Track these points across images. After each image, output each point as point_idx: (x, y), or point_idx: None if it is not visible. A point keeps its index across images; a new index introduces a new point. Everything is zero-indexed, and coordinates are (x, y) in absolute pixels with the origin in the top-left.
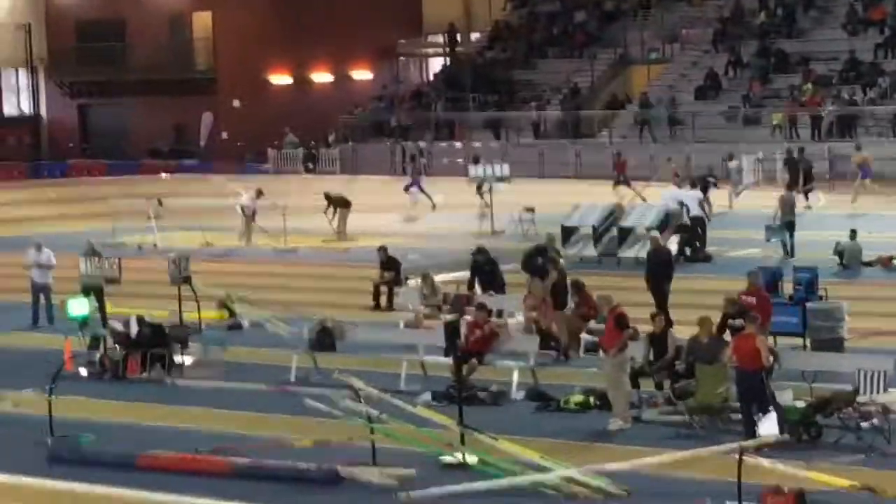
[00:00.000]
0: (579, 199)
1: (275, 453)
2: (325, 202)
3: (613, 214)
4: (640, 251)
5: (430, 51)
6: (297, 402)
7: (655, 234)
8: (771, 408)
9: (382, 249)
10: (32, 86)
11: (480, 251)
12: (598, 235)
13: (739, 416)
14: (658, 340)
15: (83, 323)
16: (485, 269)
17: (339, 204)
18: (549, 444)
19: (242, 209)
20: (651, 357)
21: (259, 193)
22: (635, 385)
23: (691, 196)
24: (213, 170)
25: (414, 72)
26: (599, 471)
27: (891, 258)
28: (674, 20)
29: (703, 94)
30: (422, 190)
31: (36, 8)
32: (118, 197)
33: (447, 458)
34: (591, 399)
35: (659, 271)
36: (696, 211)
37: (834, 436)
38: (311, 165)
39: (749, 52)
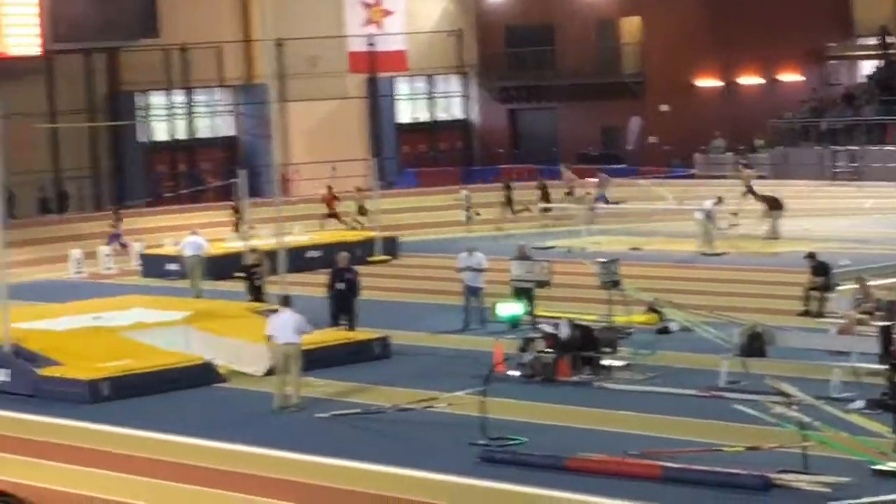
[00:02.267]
0: None
1: (703, 458)
2: (760, 202)
3: None
4: None
5: (862, 53)
6: (726, 407)
7: None
8: None
9: (811, 255)
10: (464, 91)
11: None
12: None
13: None
14: None
15: (514, 325)
16: None
17: (772, 205)
18: None
19: (706, 214)
20: None
21: (719, 200)
22: None
23: None
24: (639, 174)
25: (844, 74)
26: None
27: None
28: None
29: None
30: None
31: (467, 15)
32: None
33: (881, 467)
34: None
35: None
36: None
37: None
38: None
39: None
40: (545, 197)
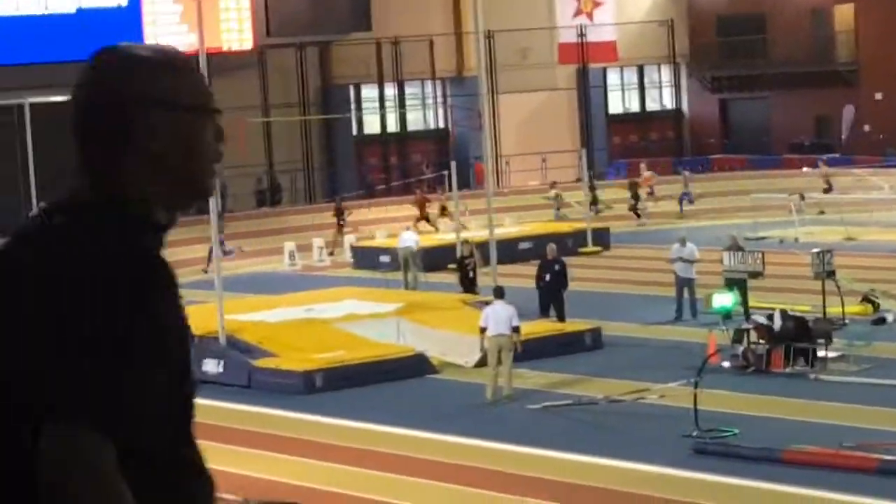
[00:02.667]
0: None
1: None
2: None
3: None
4: None
5: None
6: None
7: None
8: None
9: None
10: (674, 81)
11: None
12: None
13: None
14: None
15: (726, 316)
16: None
17: None
18: None
19: None
20: None
21: None
22: None
23: None
24: (853, 163)
25: None
26: None
27: None
28: None
29: None
30: None
31: (677, 5)
32: (759, 191)
33: None
34: None
35: None
36: None
37: None
38: None
39: None
40: (635, 196)
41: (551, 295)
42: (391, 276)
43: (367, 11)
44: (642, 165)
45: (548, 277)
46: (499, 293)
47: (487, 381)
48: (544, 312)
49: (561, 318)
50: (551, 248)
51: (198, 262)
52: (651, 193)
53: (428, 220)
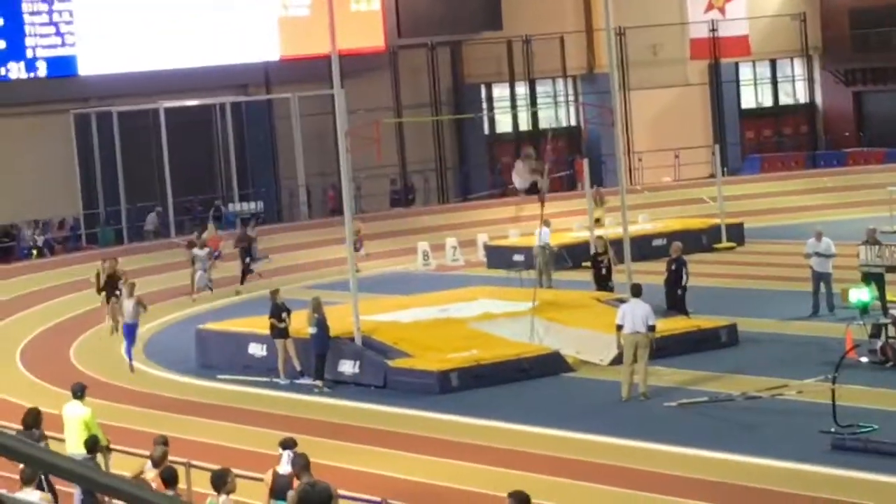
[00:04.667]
0: None
1: None
2: None
3: None
4: None
5: None
6: None
7: None
8: None
9: None
10: (808, 74)
11: None
12: None
13: None
14: None
15: (864, 311)
16: None
17: None
18: None
19: None
20: None
21: None
22: None
23: None
24: None
25: None
26: None
27: None
28: None
29: None
30: None
31: None
32: None
33: None
34: None
35: None
36: None
37: None
38: None
39: None
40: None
41: (671, 292)
42: (525, 275)
43: (498, 10)
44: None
45: (667, 275)
46: (636, 291)
47: (623, 379)
48: (670, 309)
49: (683, 314)
50: (675, 246)
51: (336, 263)
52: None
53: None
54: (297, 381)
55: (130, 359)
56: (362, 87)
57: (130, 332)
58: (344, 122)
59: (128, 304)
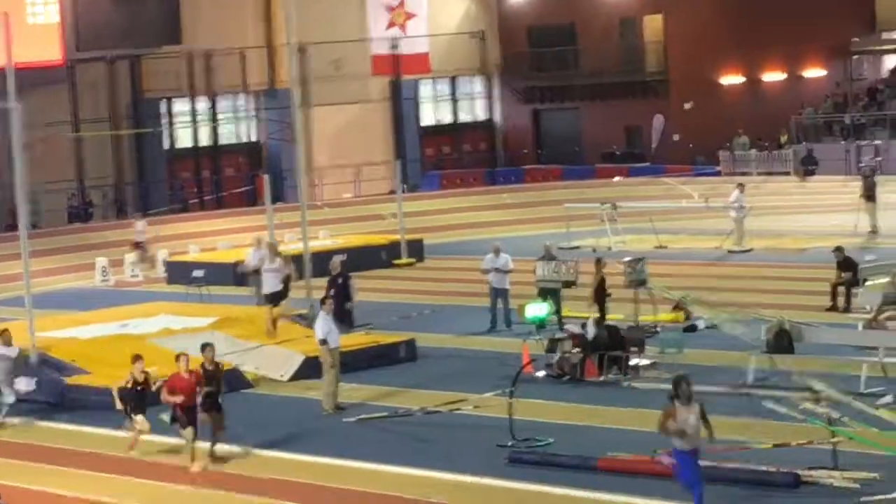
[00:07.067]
0: None
1: (734, 456)
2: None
3: None
4: None
5: (885, 48)
6: (756, 404)
7: None
8: None
9: (839, 250)
10: (487, 92)
11: None
12: None
13: None
14: None
15: (540, 326)
16: None
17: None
18: None
19: (737, 209)
20: None
21: (741, 187)
22: None
23: None
24: (664, 172)
25: (868, 69)
26: None
27: None
28: None
29: None
30: None
31: (489, 16)
32: (573, 201)
33: None
34: None
35: None
36: None
37: None
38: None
39: None
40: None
41: (339, 309)
42: (205, 291)
43: (178, 24)
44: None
45: (332, 292)
46: (330, 305)
47: (330, 392)
48: (341, 325)
49: (350, 328)
50: (336, 262)
51: (10, 280)
52: (140, 246)
53: None
54: None
55: None
56: (40, 101)
57: None
58: (20, 137)
59: None
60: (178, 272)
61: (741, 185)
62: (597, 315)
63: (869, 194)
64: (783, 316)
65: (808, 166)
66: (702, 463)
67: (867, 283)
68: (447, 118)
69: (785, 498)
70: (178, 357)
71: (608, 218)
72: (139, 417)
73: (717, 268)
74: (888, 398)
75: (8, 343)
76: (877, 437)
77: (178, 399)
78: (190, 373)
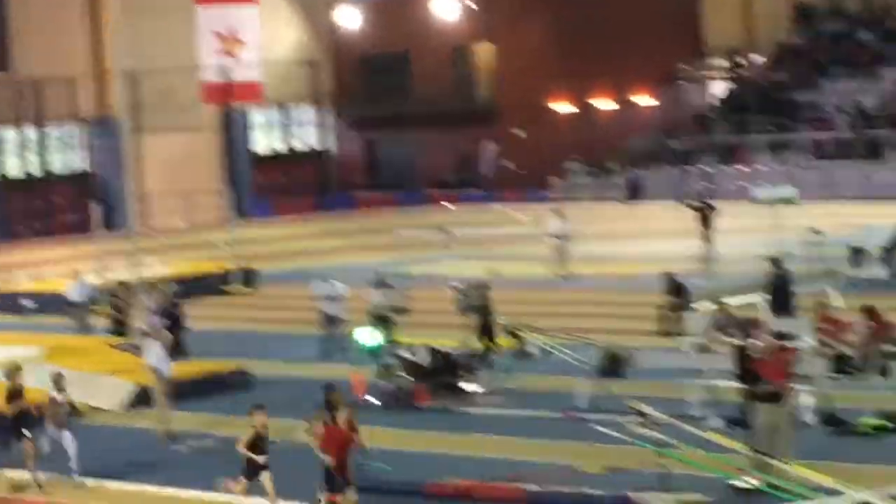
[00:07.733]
0: (868, 221)
1: (565, 480)
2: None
3: None
4: None
5: (712, 74)
6: (587, 428)
7: None
8: None
9: (667, 274)
10: (319, 121)
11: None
12: (888, 256)
13: None
14: None
15: (372, 353)
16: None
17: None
18: (842, 468)
19: (555, 236)
20: None
21: (560, 214)
22: None
23: None
24: (496, 199)
25: (696, 95)
26: None
27: None
28: None
29: None
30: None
31: (322, 45)
32: (406, 228)
33: (738, 483)
34: (888, 422)
35: None
36: None
37: None
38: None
39: None
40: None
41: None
42: (36, 321)
43: (6, 51)
44: None
45: (165, 321)
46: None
47: (163, 420)
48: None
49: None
50: (164, 292)
51: None
52: None
53: None
54: None
55: None
56: None
57: None
58: None
59: None
60: (8, 302)
61: (559, 212)
62: (428, 341)
63: (704, 220)
64: (614, 340)
65: (633, 192)
66: (533, 488)
67: (695, 308)
68: (280, 146)
69: None
70: None
71: (442, 244)
72: None
73: (548, 293)
74: (716, 421)
75: None
76: (705, 459)
77: None
78: None
